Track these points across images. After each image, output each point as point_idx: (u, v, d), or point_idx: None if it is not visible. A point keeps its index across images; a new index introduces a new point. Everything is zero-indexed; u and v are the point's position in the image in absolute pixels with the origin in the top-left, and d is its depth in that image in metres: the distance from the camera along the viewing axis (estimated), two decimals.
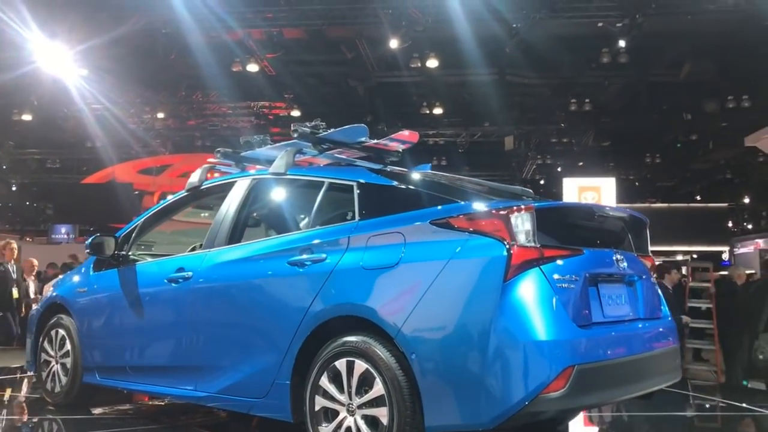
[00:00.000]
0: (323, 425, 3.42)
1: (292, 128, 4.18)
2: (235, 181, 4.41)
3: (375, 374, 3.23)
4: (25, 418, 5.25)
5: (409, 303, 3.19)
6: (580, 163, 21.80)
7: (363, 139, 4.29)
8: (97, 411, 5.22)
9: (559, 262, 3.22)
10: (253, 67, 15.00)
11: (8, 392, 6.40)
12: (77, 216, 21.99)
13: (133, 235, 4.85)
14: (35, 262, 11.13)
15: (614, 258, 3.61)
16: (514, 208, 3.18)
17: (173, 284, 4.23)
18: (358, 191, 3.70)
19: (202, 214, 5.63)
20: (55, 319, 5.20)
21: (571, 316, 3.15)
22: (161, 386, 4.36)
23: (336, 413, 3.38)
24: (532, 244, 3.13)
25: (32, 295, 10.12)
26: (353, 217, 3.68)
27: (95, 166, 23.17)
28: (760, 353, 7.05)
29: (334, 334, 3.45)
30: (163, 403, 5.65)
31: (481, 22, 12.27)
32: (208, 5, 11.80)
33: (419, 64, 14.71)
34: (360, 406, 3.29)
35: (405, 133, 4.32)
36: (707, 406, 6.68)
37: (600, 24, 13.02)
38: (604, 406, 5.33)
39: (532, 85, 17.31)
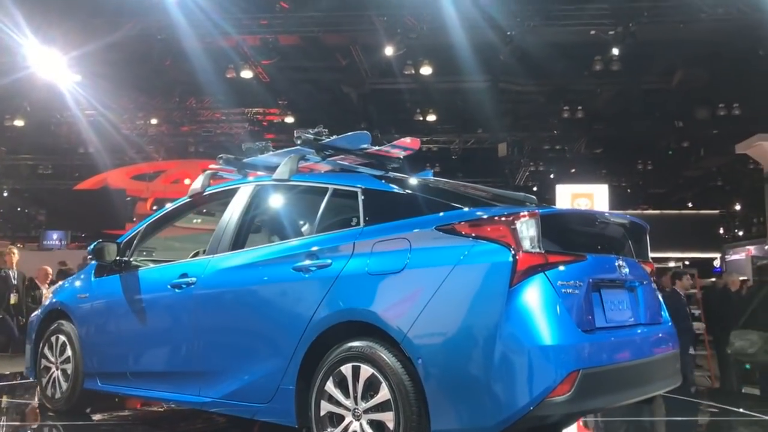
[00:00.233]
0: (329, 430, 3.43)
1: (295, 135, 4.20)
2: (239, 188, 4.43)
3: (381, 379, 3.25)
4: (26, 424, 5.25)
5: (415, 308, 3.21)
6: (573, 170, 21.93)
7: (365, 145, 4.32)
8: (97, 417, 5.22)
9: (563, 267, 3.25)
10: (247, 74, 15.02)
11: (7, 399, 6.39)
12: (69, 222, 21.88)
13: (135, 241, 4.86)
14: (49, 270, 11.05)
15: (616, 264, 3.65)
16: (520, 214, 3.21)
17: (177, 290, 4.24)
18: (362, 197, 3.73)
19: (195, 221, 5.64)
20: (56, 325, 5.19)
21: (576, 321, 3.19)
22: (164, 392, 4.36)
23: (342, 418, 3.40)
24: (537, 250, 3.17)
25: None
26: (358, 223, 3.70)
27: (88, 172, 23.11)
28: (729, 348, 7.12)
29: (339, 339, 3.46)
30: (162, 409, 5.65)
31: (475, 30, 12.35)
32: (205, 11, 11.82)
33: (413, 71, 14.76)
34: (366, 411, 3.31)
35: (407, 140, 4.35)
36: (702, 411, 6.73)
37: (593, 32, 13.15)
38: (602, 411, 5.37)
39: (525, 92, 17.42)
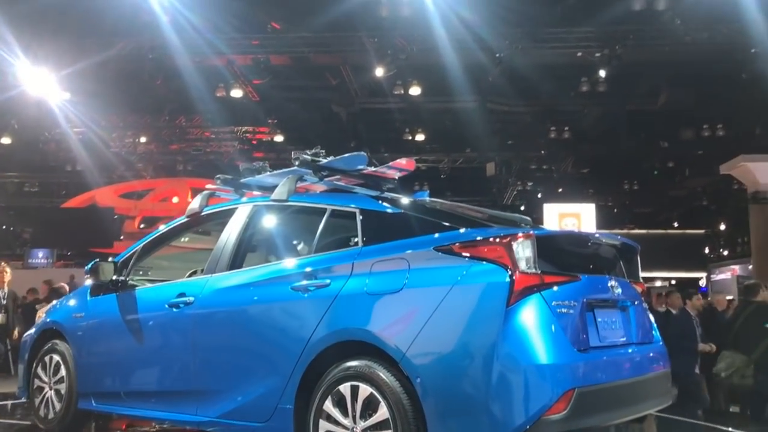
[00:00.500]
0: None
1: (293, 156, 4.26)
2: (237, 208, 4.47)
3: (380, 398, 3.27)
4: None
5: (414, 328, 3.25)
6: (560, 190, 22.12)
7: (361, 166, 4.38)
8: None
9: (558, 288, 3.31)
10: (237, 92, 15.11)
11: None
12: (55, 240, 21.66)
13: (132, 260, 4.87)
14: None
15: (609, 284, 3.72)
16: (516, 235, 3.27)
17: (175, 309, 4.25)
18: (360, 218, 3.78)
19: (183, 239, 5.64)
20: (50, 345, 5.16)
21: (571, 340, 3.24)
22: (161, 411, 4.35)
23: None
24: (533, 271, 3.23)
25: None
26: (356, 243, 3.75)
27: (75, 189, 23.00)
28: (714, 368, 7.18)
29: (337, 359, 3.49)
30: (155, 429, 5.62)
31: (464, 51, 12.53)
32: (196, 30, 11.92)
33: (402, 91, 14.89)
34: (364, 430, 3.33)
35: (402, 162, 4.41)
36: (691, 429, 6.77)
37: (579, 54, 13.37)
38: (595, 430, 5.39)
39: (513, 113, 17.62)
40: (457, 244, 3.36)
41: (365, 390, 3.33)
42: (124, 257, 4.93)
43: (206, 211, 4.73)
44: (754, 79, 13.53)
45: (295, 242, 4.42)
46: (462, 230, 3.47)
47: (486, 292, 3.18)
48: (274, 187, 4.39)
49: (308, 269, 3.78)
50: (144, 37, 12.72)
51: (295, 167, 4.28)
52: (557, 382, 3.06)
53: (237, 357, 3.96)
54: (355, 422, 3.37)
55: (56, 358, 5.08)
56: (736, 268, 19.23)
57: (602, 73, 13.70)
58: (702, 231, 22.23)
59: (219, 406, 3.97)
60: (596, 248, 3.93)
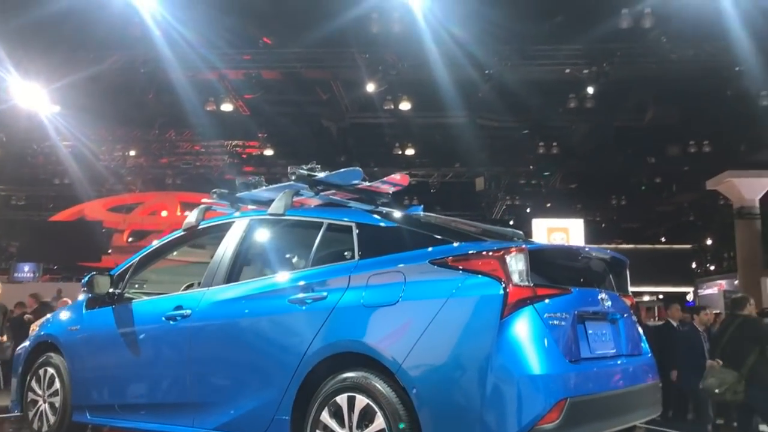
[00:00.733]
0: None
1: (289, 171, 4.32)
2: (234, 222, 4.52)
3: (376, 408, 3.32)
4: None
5: (410, 339, 3.31)
6: (548, 204, 22.29)
7: (356, 181, 4.45)
8: None
9: (550, 300, 3.37)
10: (227, 107, 15.16)
11: None
12: (43, 254, 21.48)
13: (129, 273, 4.90)
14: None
15: (599, 297, 3.79)
16: (510, 249, 3.34)
17: (171, 322, 4.28)
18: (357, 231, 3.84)
19: (176, 253, 5.68)
20: (44, 358, 5.15)
21: (563, 351, 3.31)
22: (157, 423, 4.35)
23: None
24: (526, 284, 3.30)
25: None
26: (352, 257, 3.80)
27: (63, 203, 22.93)
28: (702, 383, 7.23)
29: (334, 370, 3.53)
30: None
31: (454, 67, 12.70)
32: (189, 45, 11.99)
33: (392, 106, 15.03)
34: None
35: (396, 177, 4.49)
36: None
37: (568, 71, 13.56)
38: None
39: (502, 128, 17.79)
40: (452, 257, 3.43)
41: (362, 401, 3.37)
42: (120, 270, 4.96)
43: (203, 225, 4.77)
44: (739, 97, 13.80)
45: (291, 256, 4.47)
46: (456, 244, 3.54)
47: (480, 305, 3.25)
48: (270, 201, 4.45)
49: (306, 282, 3.83)
50: (136, 51, 12.78)
51: (292, 182, 4.34)
52: (550, 393, 3.13)
53: (234, 369, 3.99)
54: None
55: (50, 371, 5.08)
56: (723, 283, 19.40)
57: (590, 90, 13.92)
58: (689, 246, 22.43)
59: (216, 417, 3.99)
60: (586, 262, 4.01)
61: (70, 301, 10.32)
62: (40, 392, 5.13)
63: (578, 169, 19.99)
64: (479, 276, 3.31)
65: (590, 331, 3.62)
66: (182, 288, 4.83)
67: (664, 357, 8.51)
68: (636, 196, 22.50)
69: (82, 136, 17.83)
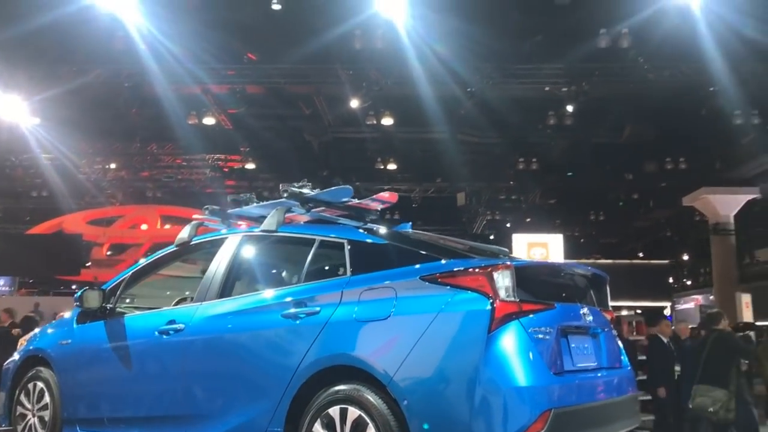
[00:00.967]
0: None
1: (281, 188, 4.43)
2: (227, 237, 4.61)
3: (368, 420, 3.41)
4: None
5: (401, 353, 3.42)
6: (528, 220, 22.52)
7: (346, 199, 4.57)
8: None
9: (535, 315, 3.51)
10: (209, 120, 15.17)
11: None
12: (19, 267, 21.24)
13: (121, 288, 4.96)
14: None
15: (581, 312, 3.93)
16: (497, 265, 3.48)
17: (164, 336, 4.33)
18: (349, 248, 3.95)
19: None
20: (34, 372, 5.16)
21: (547, 364, 3.44)
22: None
23: None
24: (513, 299, 3.43)
25: None
26: (344, 273, 3.91)
27: (41, 216, 22.72)
28: (690, 402, 7.34)
29: (326, 383, 3.62)
30: None
31: (436, 84, 12.88)
32: (175, 59, 12.05)
33: (375, 121, 15.11)
34: None
35: (385, 195, 4.62)
36: None
37: (547, 88, 13.82)
38: None
39: (482, 144, 17.98)
40: (441, 274, 3.55)
41: (354, 413, 3.47)
42: (112, 285, 5.01)
43: (195, 241, 4.85)
44: (714, 115, 14.14)
45: (284, 271, 4.57)
46: (445, 261, 3.67)
47: (469, 319, 3.37)
48: (260, 217, 4.55)
49: (299, 297, 3.92)
50: (120, 65, 12.81)
51: (284, 199, 4.45)
52: (536, 404, 3.25)
53: (228, 382, 4.06)
54: None
55: (40, 385, 5.09)
56: (699, 298, 19.73)
57: (569, 108, 14.18)
58: (666, 261, 22.77)
59: (209, 430, 4.06)
60: (569, 278, 4.16)
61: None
62: (29, 406, 5.15)
63: (557, 185, 20.25)
64: (468, 292, 3.44)
65: (573, 345, 3.77)
66: (173, 303, 4.89)
67: (657, 373, 8.64)
68: (614, 212, 22.82)
69: (63, 149, 17.74)
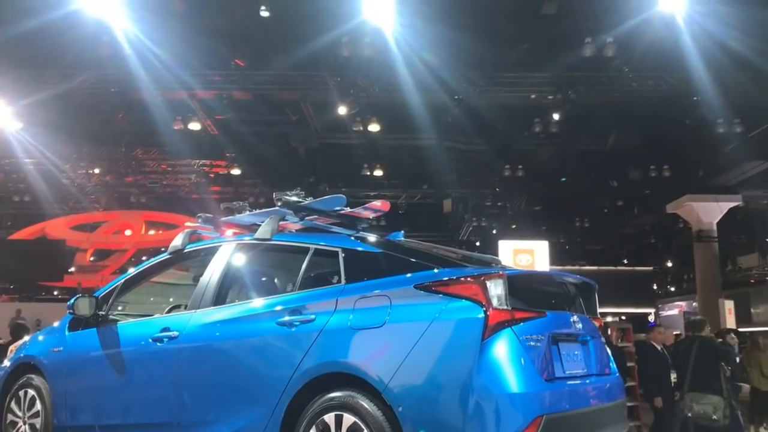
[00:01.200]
0: None
1: (275, 197, 4.46)
2: (221, 245, 4.62)
3: (363, 426, 3.44)
4: None
5: (396, 360, 3.45)
6: (514, 226, 22.63)
7: (339, 207, 4.61)
8: None
9: (527, 323, 3.56)
10: (195, 126, 15.09)
11: None
12: (0, 273, 21.02)
13: (113, 295, 4.95)
14: None
15: (571, 319, 3.99)
16: (490, 274, 3.54)
17: (158, 343, 4.33)
18: (343, 256, 3.98)
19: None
20: (25, 379, 5.12)
21: (539, 371, 3.50)
22: None
23: None
24: (505, 307, 3.48)
25: None
26: (339, 281, 3.94)
27: (23, 221, 22.47)
28: (687, 411, 7.37)
29: (321, 390, 3.64)
30: None
31: (423, 91, 12.94)
32: (162, 64, 12.03)
33: (361, 128, 15.10)
34: None
35: (377, 204, 4.66)
36: None
37: (533, 96, 13.95)
38: None
39: (468, 151, 18.05)
40: (435, 282, 3.59)
41: (349, 419, 3.50)
42: (105, 292, 5.00)
43: (189, 248, 4.86)
44: (697, 124, 14.33)
45: (278, 279, 4.59)
46: (439, 270, 3.72)
47: (462, 327, 3.42)
48: (253, 225, 4.58)
49: (294, 305, 3.94)
50: (106, 70, 12.76)
51: (278, 207, 4.48)
52: (528, 410, 3.31)
53: (222, 389, 4.06)
54: None
55: (31, 392, 5.05)
56: (683, 304, 19.93)
57: (555, 115, 14.30)
58: (650, 268, 22.98)
59: None
60: (559, 287, 4.23)
61: None
62: (20, 414, 5.12)
63: (543, 192, 20.37)
64: (461, 300, 3.49)
65: (563, 352, 3.83)
66: (166, 310, 4.90)
67: (650, 381, 8.67)
68: (599, 219, 23.00)
69: (47, 153, 17.61)
